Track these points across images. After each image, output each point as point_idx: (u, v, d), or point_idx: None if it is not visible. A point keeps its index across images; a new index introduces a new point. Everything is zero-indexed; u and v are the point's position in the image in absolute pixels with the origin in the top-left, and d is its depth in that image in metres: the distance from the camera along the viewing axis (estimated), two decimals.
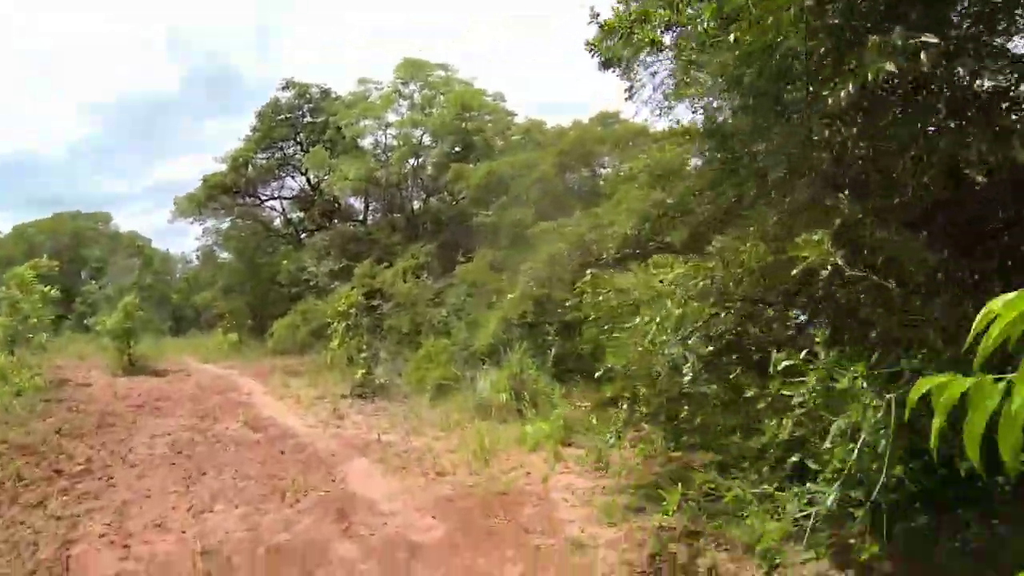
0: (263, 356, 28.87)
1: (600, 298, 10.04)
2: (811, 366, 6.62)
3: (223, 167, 35.34)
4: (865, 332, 7.02)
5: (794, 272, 6.59)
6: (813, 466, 6.68)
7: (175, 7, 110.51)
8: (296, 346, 26.72)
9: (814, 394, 6.51)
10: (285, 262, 32.95)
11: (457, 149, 25.39)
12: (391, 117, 26.03)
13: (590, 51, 18.06)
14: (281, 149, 34.76)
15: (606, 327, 10.09)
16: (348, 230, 28.76)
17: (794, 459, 7.00)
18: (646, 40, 12.98)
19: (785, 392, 6.75)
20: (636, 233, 13.44)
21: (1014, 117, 7.20)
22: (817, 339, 6.77)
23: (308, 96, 33.95)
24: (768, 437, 7.14)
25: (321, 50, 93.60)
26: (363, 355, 18.58)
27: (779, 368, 6.79)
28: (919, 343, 6.37)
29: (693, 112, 17.73)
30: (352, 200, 30.87)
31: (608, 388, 10.76)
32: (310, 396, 18.40)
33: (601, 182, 21.74)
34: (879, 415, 5.91)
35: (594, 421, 11.50)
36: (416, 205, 26.93)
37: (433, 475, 11.02)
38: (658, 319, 8.57)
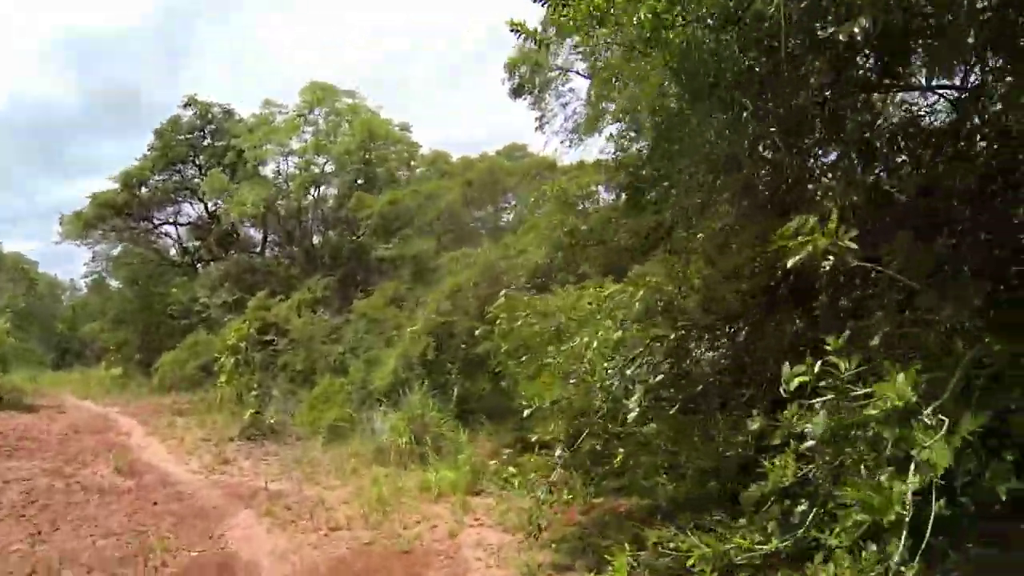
0: (149, 393, 26.80)
1: (518, 323, 9.05)
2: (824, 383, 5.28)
3: (116, 186, 32.79)
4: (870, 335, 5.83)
5: (790, 263, 5.32)
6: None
7: (73, 17, 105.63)
8: (184, 383, 25.01)
9: (835, 420, 5.21)
10: (175, 290, 30.93)
11: (360, 181, 24.48)
12: (294, 144, 24.98)
13: (508, 72, 17.75)
14: (179, 172, 32.54)
15: (523, 358, 9.11)
16: (245, 260, 27.30)
17: (801, 507, 5.56)
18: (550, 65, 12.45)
19: (800, 422, 5.41)
20: (548, 262, 12.95)
21: None
22: (828, 346, 5.31)
23: (210, 116, 31.93)
24: (772, 481, 5.58)
25: (232, 67, 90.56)
26: (254, 393, 17.38)
27: (790, 387, 5.33)
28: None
29: (607, 140, 17.63)
30: (251, 230, 29.45)
31: (538, 428, 8.82)
32: (195, 438, 17.01)
33: (509, 215, 21.28)
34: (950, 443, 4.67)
35: (511, 469, 9.97)
36: (316, 239, 25.81)
37: (326, 530, 10.04)
38: (594, 344, 7.61)
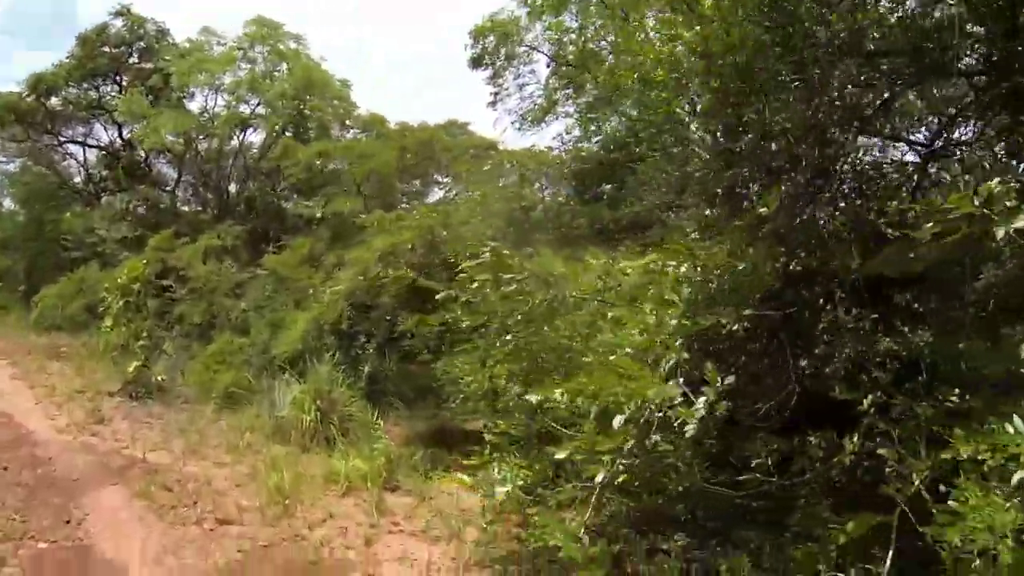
0: (26, 330, 24.16)
1: (512, 287, 6.91)
2: None
3: (23, 90, 27.89)
4: None
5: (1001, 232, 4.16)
6: None
7: None
8: (67, 322, 22.48)
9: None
10: (71, 217, 27.11)
11: (289, 132, 22.21)
12: (227, 79, 22.45)
13: (473, 39, 16.34)
14: (97, 88, 28.05)
15: (508, 336, 7.19)
16: (153, 195, 24.50)
17: None
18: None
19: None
20: (499, 236, 11.56)
21: None
22: None
23: (142, 32, 27.47)
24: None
25: None
26: (142, 343, 15.33)
27: None
28: None
29: (567, 130, 16.45)
30: (165, 166, 26.30)
31: (563, 448, 5.81)
32: (69, 388, 14.92)
33: (441, 190, 19.79)
34: None
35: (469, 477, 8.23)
36: (233, 188, 23.39)
37: (213, 523, 8.44)
38: (634, 333, 5.84)
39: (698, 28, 6.69)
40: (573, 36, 15.62)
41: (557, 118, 17.41)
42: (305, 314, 14.73)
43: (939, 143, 7.25)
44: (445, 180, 19.76)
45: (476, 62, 16.88)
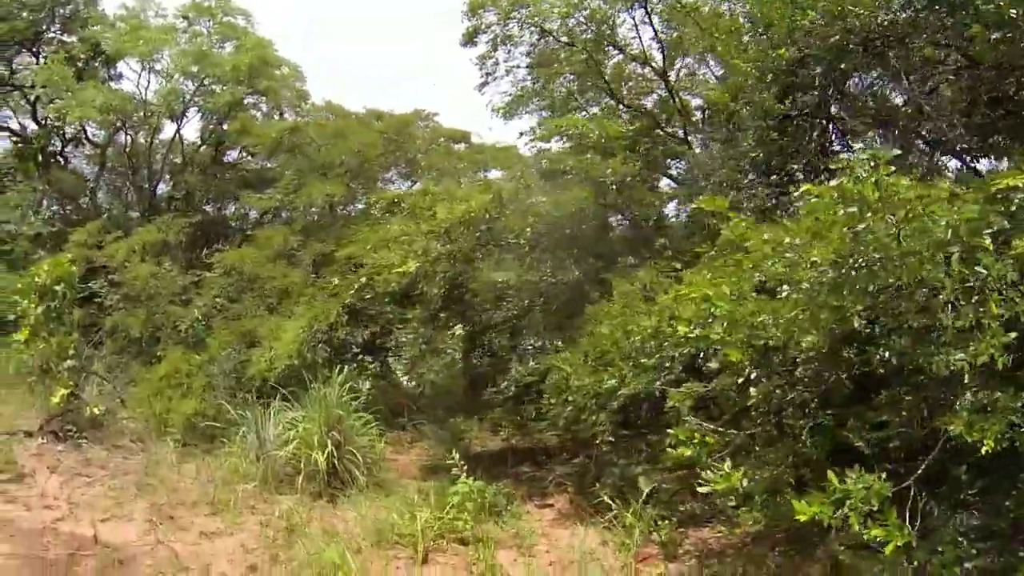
0: None
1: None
2: None
3: None
4: None
5: None
6: None
7: None
8: None
9: None
10: None
11: (233, 116, 17.91)
12: (165, 55, 17.85)
13: (468, 14, 13.42)
14: (9, 61, 22.36)
15: None
16: (72, 185, 19.19)
17: None
18: None
19: None
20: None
21: None
22: None
23: None
24: None
25: None
26: (69, 363, 11.04)
27: None
28: None
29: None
30: (83, 163, 21.02)
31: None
32: None
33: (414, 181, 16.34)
34: None
35: None
36: (163, 186, 18.74)
37: None
38: None
39: None
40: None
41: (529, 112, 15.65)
42: (294, 322, 10.91)
43: None
44: (424, 168, 16.08)
45: (469, 37, 13.89)
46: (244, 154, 18.12)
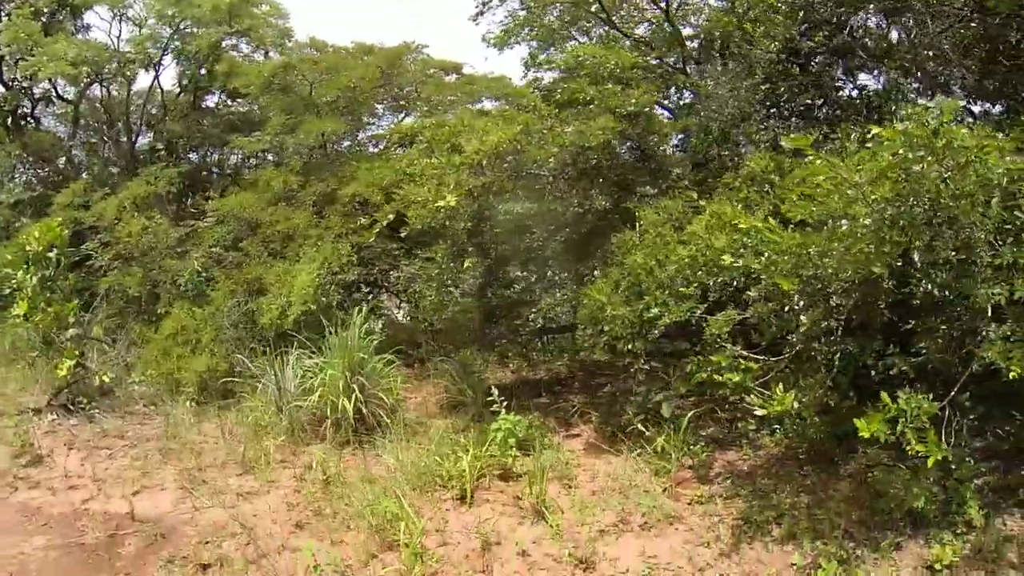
0: None
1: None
2: None
3: None
4: None
5: None
6: None
7: None
8: None
9: None
10: None
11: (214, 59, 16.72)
12: (137, 3, 16.51)
13: None
14: None
15: None
16: (47, 143, 18.01)
17: None
18: None
19: None
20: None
21: None
22: None
23: None
24: None
25: None
26: (72, 332, 10.44)
27: None
28: None
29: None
30: (59, 125, 19.73)
31: None
32: None
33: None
34: None
35: None
36: (142, 140, 17.63)
37: None
38: None
39: None
40: None
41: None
42: (305, 265, 10.32)
43: None
44: (418, 103, 15.17)
45: None
46: (224, 98, 17.04)
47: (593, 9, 12.88)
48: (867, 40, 8.63)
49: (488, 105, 14.42)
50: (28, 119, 17.32)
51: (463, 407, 9.37)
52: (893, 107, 8.14)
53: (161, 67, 16.09)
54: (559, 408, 9.30)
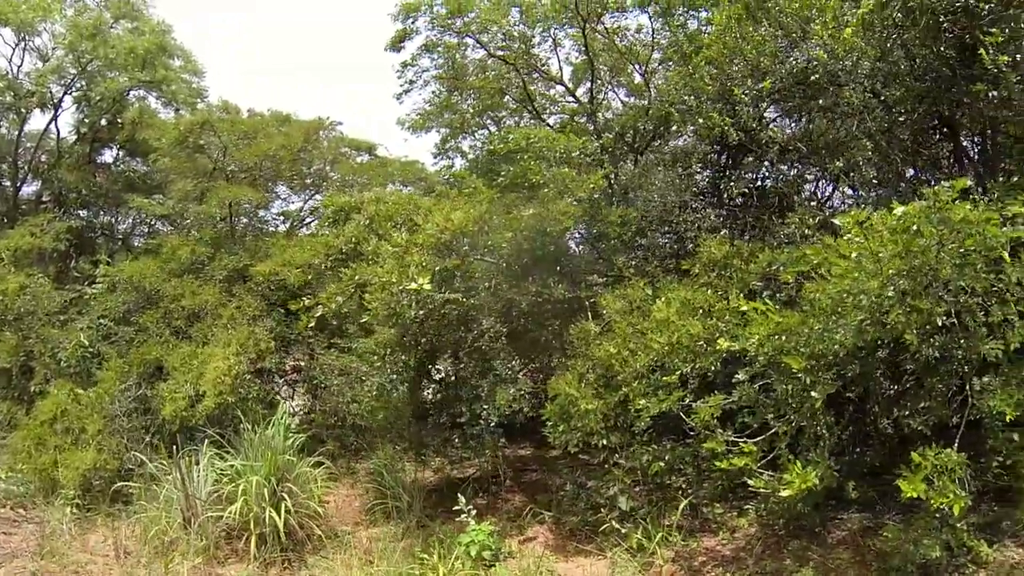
0: None
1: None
2: None
3: None
4: None
5: None
6: None
7: None
8: None
9: None
10: None
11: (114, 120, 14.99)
12: (43, 33, 14.48)
13: (400, 16, 11.77)
14: None
15: None
16: None
17: None
18: None
19: None
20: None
21: None
22: None
23: None
24: None
25: None
26: None
27: None
28: None
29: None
30: None
31: None
32: None
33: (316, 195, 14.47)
34: None
35: None
36: (29, 188, 15.49)
37: None
38: None
39: None
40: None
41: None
42: (219, 349, 8.86)
43: None
44: (326, 182, 14.10)
45: (399, 41, 12.18)
46: (123, 155, 15.33)
47: (513, 96, 12.62)
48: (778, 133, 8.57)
49: (402, 189, 13.98)
50: None
51: (397, 512, 8.15)
52: (794, 197, 8.37)
53: (60, 109, 14.37)
54: (500, 509, 8.30)
